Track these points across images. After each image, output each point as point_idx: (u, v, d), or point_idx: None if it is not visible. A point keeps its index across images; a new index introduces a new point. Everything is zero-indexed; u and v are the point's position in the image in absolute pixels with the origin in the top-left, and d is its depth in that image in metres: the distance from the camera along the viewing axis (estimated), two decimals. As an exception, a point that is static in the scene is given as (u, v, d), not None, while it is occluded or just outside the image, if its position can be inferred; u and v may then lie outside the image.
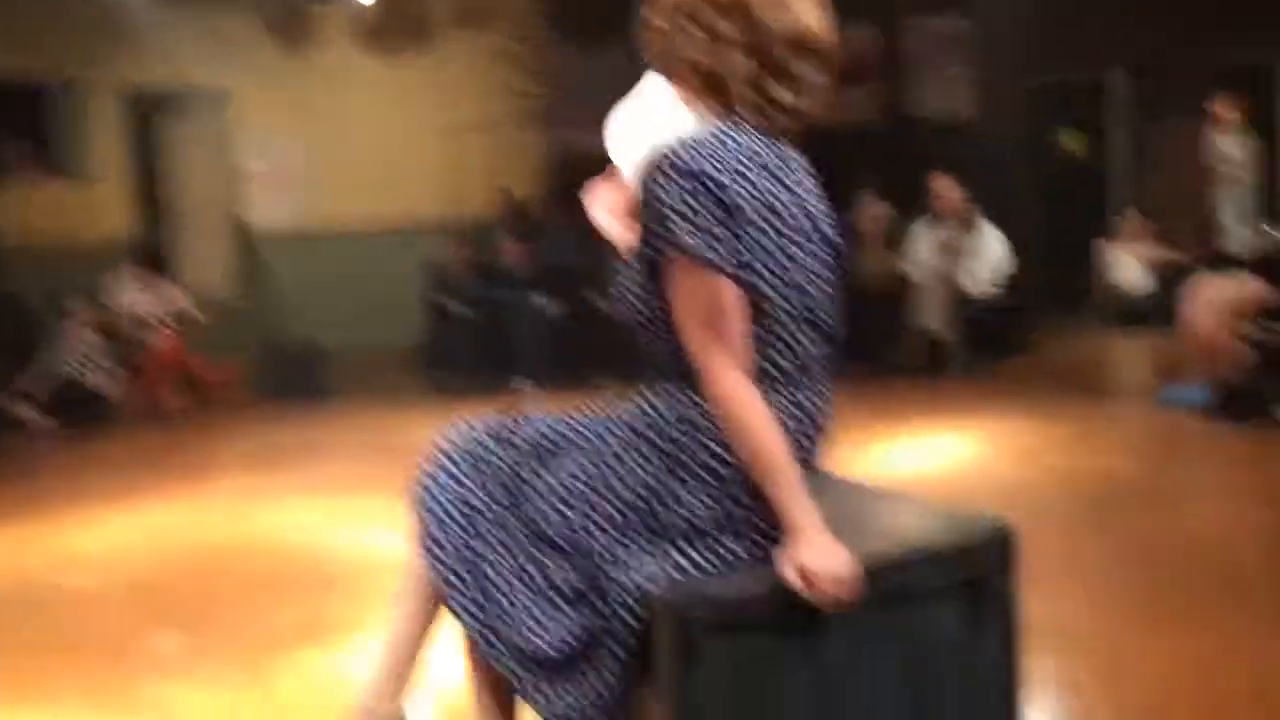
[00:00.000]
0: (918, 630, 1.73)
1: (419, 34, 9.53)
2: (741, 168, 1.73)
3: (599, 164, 2.13)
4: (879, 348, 7.34)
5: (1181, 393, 5.44)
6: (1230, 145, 7.43)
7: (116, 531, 4.62)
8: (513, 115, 9.49)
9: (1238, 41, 7.79)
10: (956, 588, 1.73)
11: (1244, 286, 5.23)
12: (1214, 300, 5.26)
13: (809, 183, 1.84)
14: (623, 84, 2.03)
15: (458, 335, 7.96)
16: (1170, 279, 7.84)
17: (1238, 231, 7.13)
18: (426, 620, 1.97)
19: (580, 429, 1.94)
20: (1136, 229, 8.38)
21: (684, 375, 1.77)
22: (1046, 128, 9.17)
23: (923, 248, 7.48)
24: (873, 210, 7.77)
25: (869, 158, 8.41)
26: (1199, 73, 7.81)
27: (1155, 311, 7.92)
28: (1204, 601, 3.06)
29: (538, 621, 1.79)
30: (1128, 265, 8.35)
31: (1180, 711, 2.43)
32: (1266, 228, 5.59)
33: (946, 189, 7.42)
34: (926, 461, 4.99)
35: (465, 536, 1.86)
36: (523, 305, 7.76)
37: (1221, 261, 6.08)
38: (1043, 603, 2.03)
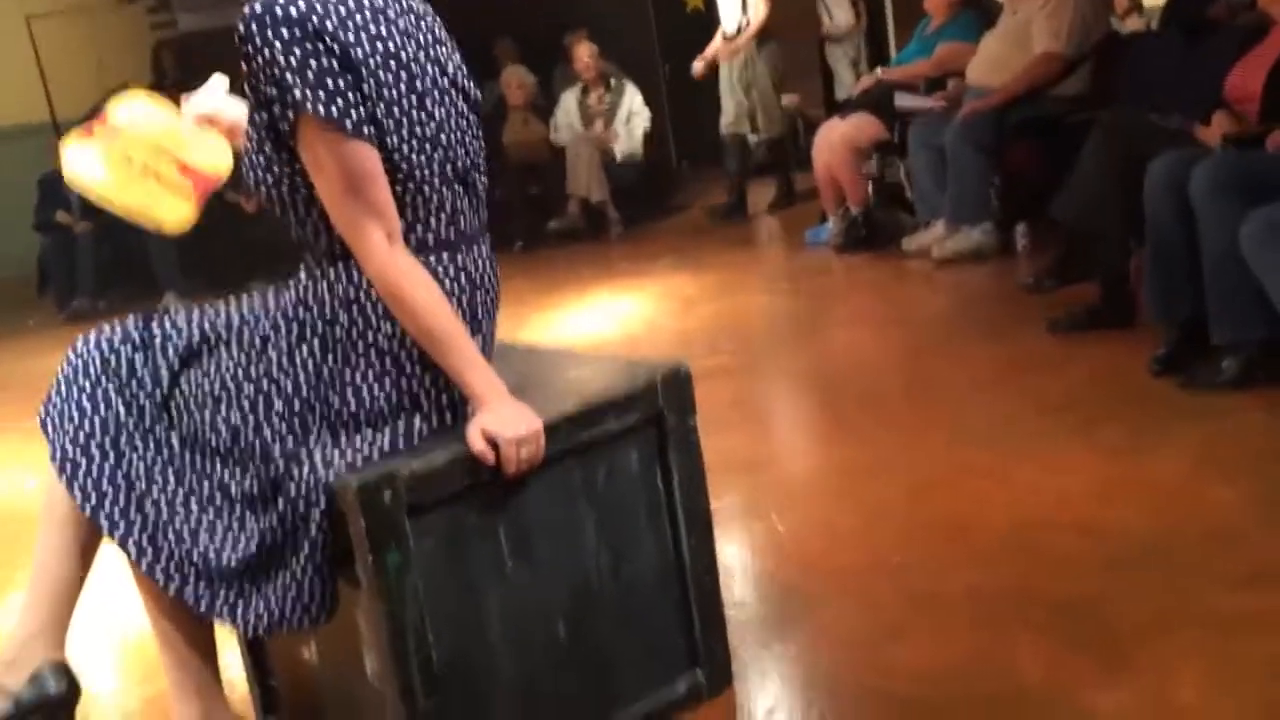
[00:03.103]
0: (607, 476, 1.75)
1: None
2: (350, 12, 1.58)
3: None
4: (538, 217, 7.36)
5: (821, 232, 5.84)
6: (837, 5, 8.04)
7: None
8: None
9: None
10: (639, 431, 1.77)
11: (860, 126, 5.62)
12: (835, 141, 5.62)
13: (438, 33, 1.73)
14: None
15: (78, 251, 7.20)
16: (801, 126, 8.35)
17: (848, 79, 7.73)
18: (79, 556, 1.75)
19: (232, 325, 1.77)
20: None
21: (339, 254, 1.65)
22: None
23: (569, 113, 7.50)
24: (517, 78, 7.67)
25: (505, 25, 8.27)
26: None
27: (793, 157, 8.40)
28: (855, 419, 3.33)
29: (216, 535, 1.64)
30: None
31: (847, 520, 2.64)
32: (878, 70, 6.01)
33: (584, 52, 7.44)
34: (599, 322, 5.09)
35: (112, 455, 1.66)
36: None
37: (840, 106, 6.50)
38: (718, 439, 2.12)
